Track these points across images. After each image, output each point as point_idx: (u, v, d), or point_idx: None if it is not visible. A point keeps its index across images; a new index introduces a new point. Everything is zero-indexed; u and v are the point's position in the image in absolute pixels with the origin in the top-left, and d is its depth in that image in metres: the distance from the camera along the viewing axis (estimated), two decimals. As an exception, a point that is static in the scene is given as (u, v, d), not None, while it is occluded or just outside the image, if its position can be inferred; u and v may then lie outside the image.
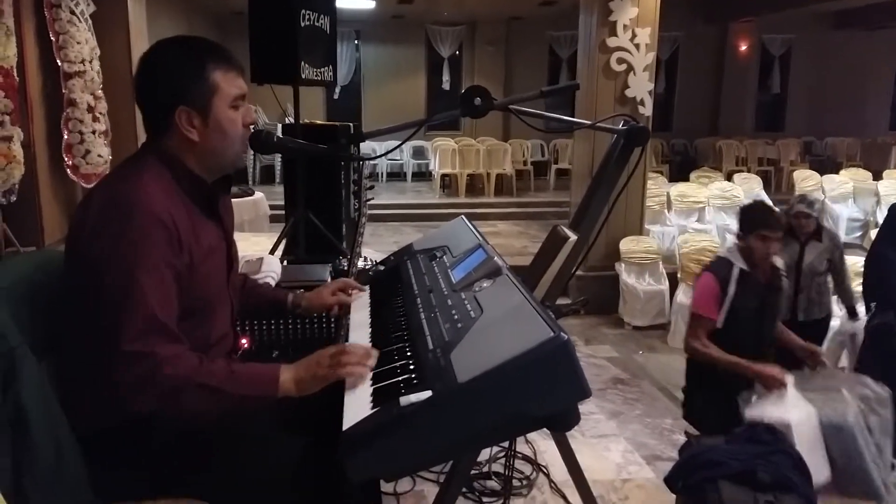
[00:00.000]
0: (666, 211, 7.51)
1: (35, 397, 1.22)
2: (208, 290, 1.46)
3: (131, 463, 1.36)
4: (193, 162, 1.45)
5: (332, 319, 2.32)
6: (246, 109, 1.48)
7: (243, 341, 1.70)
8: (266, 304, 1.86)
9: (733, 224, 7.45)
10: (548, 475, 2.86)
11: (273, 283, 2.59)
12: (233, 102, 1.44)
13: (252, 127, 1.53)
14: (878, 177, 8.87)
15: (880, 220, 7.66)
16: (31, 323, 1.35)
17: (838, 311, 4.12)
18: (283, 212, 4.04)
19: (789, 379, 2.56)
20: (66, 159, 4.45)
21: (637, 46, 5.60)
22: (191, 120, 1.41)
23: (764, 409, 2.46)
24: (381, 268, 1.98)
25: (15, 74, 3.73)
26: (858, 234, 8.13)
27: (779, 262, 3.08)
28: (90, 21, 4.58)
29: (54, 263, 1.46)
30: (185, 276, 1.36)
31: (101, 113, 4.66)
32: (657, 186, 7.66)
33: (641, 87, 5.65)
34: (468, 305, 1.40)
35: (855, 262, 5.07)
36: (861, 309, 3.94)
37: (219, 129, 1.43)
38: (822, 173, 9.19)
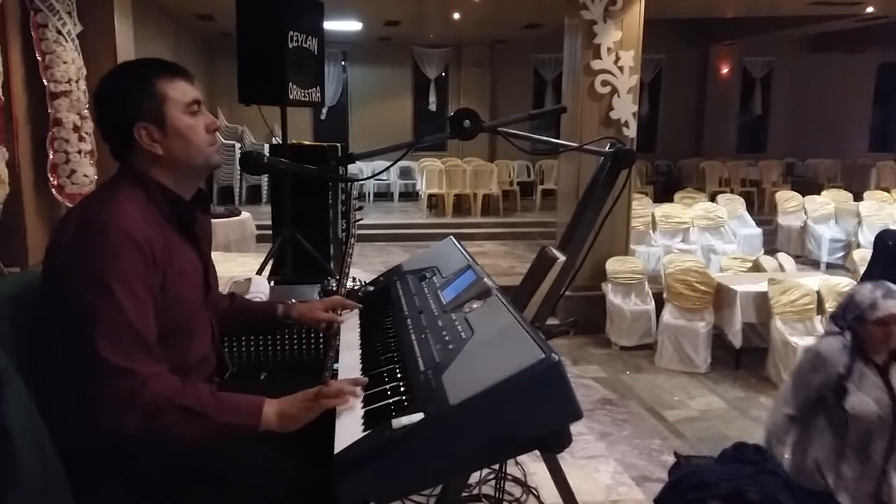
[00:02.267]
0: (651, 231, 7.56)
1: (21, 419, 1.20)
2: (183, 312, 1.45)
3: (119, 485, 1.34)
4: (164, 177, 1.45)
5: (322, 341, 2.31)
6: (206, 116, 1.49)
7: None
8: (257, 319, 1.86)
9: (717, 244, 7.55)
10: (538, 497, 2.84)
11: (261, 303, 2.58)
12: (187, 109, 1.44)
13: (217, 132, 1.52)
14: (858, 198, 8.99)
15: (862, 241, 7.82)
16: (17, 344, 1.34)
17: None
18: (269, 232, 4.04)
19: None
20: (51, 179, 4.41)
21: (621, 69, 5.67)
22: (150, 134, 1.42)
23: None
24: (371, 288, 1.98)
25: (0, 93, 3.71)
26: (841, 254, 8.22)
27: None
28: (77, 41, 4.57)
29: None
30: (159, 297, 1.36)
31: (86, 133, 4.63)
32: (642, 207, 7.72)
33: (626, 108, 5.71)
34: (459, 326, 1.40)
35: (837, 283, 5.13)
36: None
37: (179, 137, 1.43)
38: (803, 194, 9.31)
